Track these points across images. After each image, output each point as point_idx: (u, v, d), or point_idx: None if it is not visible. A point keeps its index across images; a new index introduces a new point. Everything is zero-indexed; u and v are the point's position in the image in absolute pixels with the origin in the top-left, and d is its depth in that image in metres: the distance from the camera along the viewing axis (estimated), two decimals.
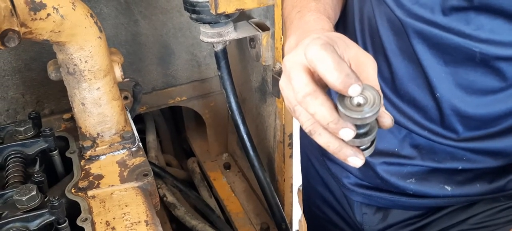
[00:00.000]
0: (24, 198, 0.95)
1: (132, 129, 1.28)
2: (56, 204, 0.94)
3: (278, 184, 1.69)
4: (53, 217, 0.95)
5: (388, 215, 0.96)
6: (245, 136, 1.56)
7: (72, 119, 1.37)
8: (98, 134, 1.23)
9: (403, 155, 0.89)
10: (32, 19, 0.98)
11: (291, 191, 1.74)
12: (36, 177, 1.02)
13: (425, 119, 0.83)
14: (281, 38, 1.34)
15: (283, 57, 1.37)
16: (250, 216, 1.98)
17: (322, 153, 1.13)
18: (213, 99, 2.04)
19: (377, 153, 0.91)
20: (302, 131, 1.24)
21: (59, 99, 1.74)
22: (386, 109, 0.86)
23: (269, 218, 1.92)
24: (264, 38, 1.41)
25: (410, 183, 0.89)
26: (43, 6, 0.99)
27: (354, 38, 0.92)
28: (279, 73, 1.38)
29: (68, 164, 1.22)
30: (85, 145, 1.21)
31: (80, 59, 1.12)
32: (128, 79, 1.37)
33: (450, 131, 0.82)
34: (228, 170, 2.19)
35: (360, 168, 0.99)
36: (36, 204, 0.96)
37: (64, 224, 0.97)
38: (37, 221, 0.94)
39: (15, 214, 0.95)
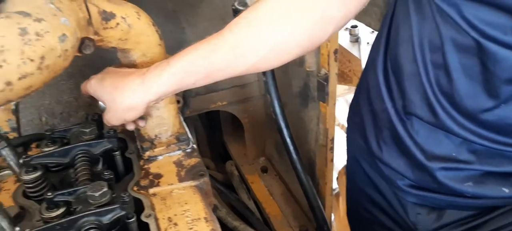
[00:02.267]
0: (97, 194, 1.03)
1: (186, 131, 1.35)
2: (127, 200, 1.01)
3: (320, 187, 1.73)
4: (124, 212, 1.02)
5: (443, 215, 0.99)
6: (288, 140, 1.61)
7: None
8: (156, 136, 1.30)
9: (461, 159, 0.92)
10: (104, 28, 1.06)
11: (331, 194, 1.78)
12: (106, 174, 1.09)
13: (484, 130, 0.86)
14: (327, 45, 1.38)
15: (328, 63, 1.43)
16: (288, 218, 2.03)
17: (374, 155, 1.16)
18: (252, 104, 2.10)
19: (435, 158, 0.94)
20: (349, 134, 1.28)
21: None
22: (444, 123, 0.90)
23: (308, 221, 1.97)
24: None
25: (467, 186, 0.91)
26: (113, 15, 1.07)
27: (410, 51, 0.94)
28: (325, 78, 1.43)
29: (127, 164, 1.30)
30: (144, 146, 1.29)
31: (142, 66, 1.19)
32: None
33: (510, 137, 0.85)
34: (265, 173, 2.25)
35: (417, 173, 1.01)
36: (107, 199, 1.04)
37: (133, 219, 1.03)
38: (109, 216, 1.01)
39: (89, 209, 1.02)
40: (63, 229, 0.99)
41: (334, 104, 1.52)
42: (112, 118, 1.11)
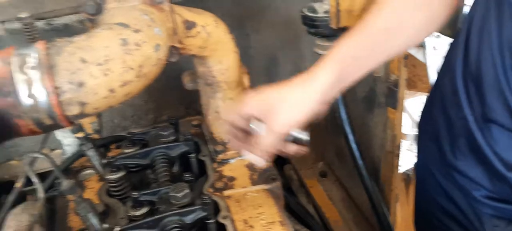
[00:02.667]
0: (179, 195, 1.08)
1: None
2: (208, 201, 1.05)
3: (384, 194, 1.70)
4: (205, 213, 1.06)
5: None
6: (353, 146, 1.60)
7: (199, 125, 1.50)
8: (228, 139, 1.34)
9: None
10: (186, 36, 1.11)
11: (396, 201, 1.75)
12: (187, 176, 1.14)
13: None
14: None
15: (398, 69, 1.41)
16: (349, 225, 2.01)
17: (448, 164, 1.14)
18: None
19: None
20: (421, 141, 1.26)
21: (176, 107, 1.91)
22: None
23: (369, 228, 1.94)
24: None
25: None
26: (194, 24, 1.12)
27: (491, 57, 0.92)
28: (395, 84, 1.41)
29: (200, 166, 1.35)
30: (217, 149, 1.33)
31: (218, 72, 1.24)
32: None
33: None
34: (324, 178, 2.24)
35: (495, 183, 0.99)
36: (189, 200, 1.09)
37: (212, 220, 1.08)
38: (191, 216, 1.06)
39: (172, 209, 1.07)
40: (149, 227, 1.05)
41: (402, 110, 1.50)
42: (271, 135, 0.97)
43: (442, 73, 1.17)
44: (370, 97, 1.65)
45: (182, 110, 1.90)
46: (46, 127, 0.79)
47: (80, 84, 0.78)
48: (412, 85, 2.02)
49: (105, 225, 1.08)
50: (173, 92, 1.87)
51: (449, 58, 1.13)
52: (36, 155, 1.07)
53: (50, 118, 0.78)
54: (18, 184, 1.12)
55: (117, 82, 0.82)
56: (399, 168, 1.65)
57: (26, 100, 0.75)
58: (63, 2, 1.59)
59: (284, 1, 1.80)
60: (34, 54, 0.77)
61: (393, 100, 1.44)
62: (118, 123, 1.89)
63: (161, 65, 0.92)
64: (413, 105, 3.71)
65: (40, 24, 1.59)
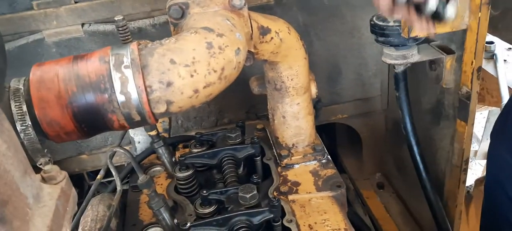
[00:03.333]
0: (247, 196, 1.10)
1: (321, 142, 1.39)
2: (276, 204, 1.07)
3: (448, 209, 1.65)
4: (272, 215, 1.08)
5: None
6: (418, 157, 1.57)
7: (264, 129, 1.53)
8: (293, 144, 1.36)
9: None
10: (260, 42, 1.14)
11: (460, 218, 1.69)
12: (255, 178, 1.17)
13: None
14: (472, 62, 1.33)
15: (471, 81, 1.37)
16: None
17: None
18: (373, 118, 2.08)
19: None
20: (494, 154, 1.21)
21: (237, 111, 1.95)
22: None
23: None
24: (448, 61, 1.41)
25: None
26: (268, 30, 1.15)
27: None
28: (467, 97, 1.37)
29: (264, 169, 1.37)
30: (282, 154, 1.35)
31: (288, 77, 1.26)
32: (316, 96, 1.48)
33: None
34: (381, 190, 2.20)
35: None
36: (256, 201, 1.11)
37: (279, 222, 1.09)
38: (259, 217, 1.08)
39: (240, 209, 1.10)
40: (218, 225, 1.08)
41: (473, 124, 1.45)
42: None
43: None
44: (437, 109, 1.61)
45: (242, 114, 1.94)
46: (135, 123, 0.84)
47: (169, 84, 0.83)
48: (480, 99, 1.94)
49: (175, 220, 1.13)
50: (235, 96, 1.91)
51: None
52: (117, 149, 1.13)
53: (139, 114, 0.83)
54: (99, 176, 1.19)
55: (202, 84, 0.86)
56: (465, 183, 1.59)
57: (120, 97, 0.81)
58: (138, 6, 1.68)
59: (350, 10, 1.79)
60: (129, 54, 0.82)
61: (464, 113, 1.39)
62: (181, 124, 1.95)
63: (240, 68, 0.95)
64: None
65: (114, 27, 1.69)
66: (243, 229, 1.07)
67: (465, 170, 1.55)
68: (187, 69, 0.84)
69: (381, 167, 2.24)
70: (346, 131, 2.28)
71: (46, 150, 0.83)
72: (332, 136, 2.47)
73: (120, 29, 0.92)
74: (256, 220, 1.08)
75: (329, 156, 1.36)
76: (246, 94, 1.91)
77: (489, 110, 2.92)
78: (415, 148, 1.57)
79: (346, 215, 1.20)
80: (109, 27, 1.68)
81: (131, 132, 1.49)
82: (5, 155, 0.60)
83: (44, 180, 0.68)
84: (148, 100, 0.82)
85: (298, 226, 1.14)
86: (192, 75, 0.85)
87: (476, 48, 1.31)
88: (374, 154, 2.21)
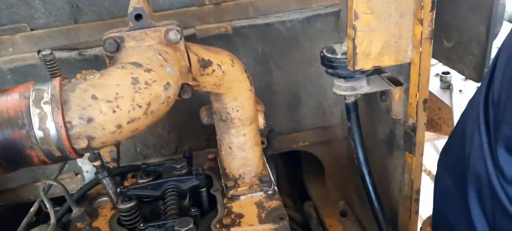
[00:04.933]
0: (183, 229, 1.09)
1: (268, 173, 1.39)
2: None
3: None
4: None
5: None
6: (370, 188, 1.58)
7: (215, 159, 1.53)
8: (239, 175, 1.36)
9: None
10: (201, 74, 1.15)
11: None
12: (193, 211, 1.16)
13: None
14: (416, 94, 1.35)
15: (417, 113, 1.39)
16: None
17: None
18: (335, 146, 2.09)
19: None
20: (439, 190, 1.23)
21: (197, 138, 1.94)
22: None
23: None
24: (396, 93, 1.44)
25: None
26: (210, 63, 1.16)
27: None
28: (413, 128, 1.39)
29: (210, 200, 1.36)
30: (228, 185, 1.34)
31: (233, 109, 1.26)
32: (264, 126, 1.49)
33: None
34: (344, 218, 2.20)
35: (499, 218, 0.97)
36: None
37: None
38: None
39: None
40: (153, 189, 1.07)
41: (422, 154, 1.46)
42: None
43: (465, 113, 1.18)
44: (390, 139, 1.63)
45: (203, 141, 1.93)
46: (55, 158, 0.84)
47: (89, 120, 0.82)
48: (437, 128, 1.97)
49: None
50: (195, 124, 1.90)
51: (473, 99, 1.14)
52: (50, 182, 1.12)
53: (59, 150, 0.82)
54: (33, 209, 1.17)
55: (125, 119, 0.86)
56: (417, 213, 1.60)
57: (38, 133, 0.80)
58: (95, 34, 1.68)
59: (308, 40, 1.82)
60: (50, 90, 0.82)
61: (410, 144, 1.41)
62: (140, 151, 1.94)
63: (170, 103, 0.96)
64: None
65: (73, 54, 1.69)
66: (173, 193, 1.06)
67: (417, 200, 1.56)
68: (109, 105, 0.84)
69: (344, 195, 2.24)
70: (312, 158, 2.29)
71: None
72: (298, 163, 2.47)
73: (48, 63, 0.92)
74: (185, 186, 1.07)
75: (276, 187, 1.36)
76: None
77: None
78: (367, 178, 1.58)
79: None
80: (65, 54, 1.68)
81: (79, 161, 1.48)
82: None
83: None
84: (68, 136, 0.82)
85: None
86: (114, 111, 0.84)
87: (419, 81, 1.33)
88: (337, 182, 2.22)
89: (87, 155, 1.35)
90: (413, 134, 1.38)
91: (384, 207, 1.59)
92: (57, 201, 1.42)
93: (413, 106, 1.39)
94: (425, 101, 1.38)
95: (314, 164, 2.38)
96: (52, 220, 1.09)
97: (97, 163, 1.30)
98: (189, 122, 1.91)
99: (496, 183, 1.01)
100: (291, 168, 2.55)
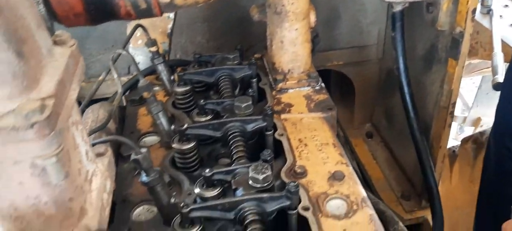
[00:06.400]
0: (242, 105, 1.16)
1: (315, 71, 1.44)
2: (269, 112, 1.12)
3: (433, 151, 1.72)
4: (264, 124, 1.13)
5: None
6: (408, 97, 1.63)
7: (261, 59, 1.57)
8: (289, 70, 1.41)
9: None
10: None
11: (443, 161, 1.76)
12: (250, 91, 1.22)
13: None
14: (468, 1, 1.37)
15: (465, 21, 1.41)
16: (391, 183, 2.04)
17: None
18: (367, 68, 2.13)
19: None
20: (502, 113, 1.27)
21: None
22: None
23: (410, 188, 1.97)
24: (445, 3, 1.46)
25: None
26: None
27: None
28: (460, 35, 1.42)
29: (260, 93, 1.42)
30: (277, 78, 1.40)
31: (288, 1, 1.30)
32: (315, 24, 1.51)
33: None
34: (370, 139, 2.27)
35: None
36: (251, 111, 1.17)
37: (271, 132, 1.14)
38: (252, 125, 1.14)
39: (235, 117, 1.15)
40: (214, 129, 1.14)
41: (463, 66, 1.50)
42: None
43: None
44: (431, 54, 1.66)
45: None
46: (140, 11, 0.88)
47: None
48: (473, 53, 1.99)
49: (173, 127, 1.18)
50: (233, 34, 1.95)
51: None
52: (119, 51, 1.17)
53: (145, 2, 0.87)
54: (101, 77, 1.24)
55: None
56: (450, 126, 1.66)
57: None
58: None
59: None
60: None
61: (456, 51, 1.45)
62: (180, 58, 1.99)
63: None
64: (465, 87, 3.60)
65: None
66: (237, 133, 1.12)
67: (452, 113, 1.62)
68: None
69: (370, 118, 2.30)
70: (340, 81, 2.33)
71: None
72: (327, 85, 2.52)
73: None
74: (249, 127, 1.13)
75: (322, 84, 1.41)
76: (244, 34, 1.95)
77: (482, 77, 2.98)
78: (406, 88, 1.62)
79: (335, 134, 1.26)
80: None
81: (132, 51, 1.53)
82: (22, 3, 0.64)
83: (55, 42, 0.73)
84: None
85: (288, 139, 1.20)
86: None
87: None
88: (366, 104, 2.27)
89: (144, 41, 1.40)
90: (460, 40, 1.41)
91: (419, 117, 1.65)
92: None
93: (462, 14, 1.41)
94: (474, 10, 1.40)
95: (341, 87, 2.43)
96: (119, 89, 1.15)
97: (154, 49, 1.35)
98: (227, 32, 1.94)
99: None
100: None
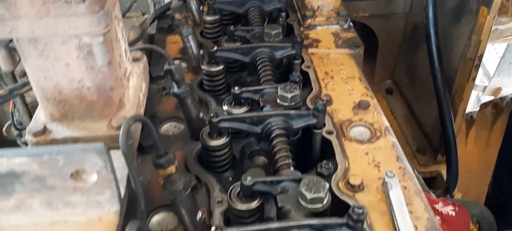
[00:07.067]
0: (272, 32, 1.17)
1: (345, 9, 1.43)
2: (299, 40, 1.13)
3: (454, 104, 1.72)
4: (293, 51, 1.14)
5: None
6: (434, 47, 1.61)
7: None
8: (318, 7, 1.41)
9: None
10: None
11: (463, 116, 1.76)
12: (280, 20, 1.23)
13: None
14: None
15: None
16: (407, 137, 2.06)
17: None
18: (393, 21, 2.10)
19: None
20: None
21: None
22: None
23: (427, 144, 1.98)
24: None
25: None
26: None
27: None
28: None
29: (288, 29, 1.42)
30: (306, 14, 1.40)
31: None
32: None
33: None
34: (389, 95, 2.27)
35: None
36: (280, 40, 1.18)
37: (299, 61, 1.16)
38: (281, 52, 1.15)
39: (263, 44, 1.17)
40: (243, 53, 1.15)
41: (494, 17, 1.48)
42: None
43: None
44: (460, 6, 1.63)
45: None
46: None
47: None
48: (504, 11, 1.95)
49: (202, 51, 1.20)
50: None
51: None
52: None
53: None
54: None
55: None
56: (474, 81, 1.65)
57: None
58: None
59: None
60: None
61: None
62: None
63: None
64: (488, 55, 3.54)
65: None
66: (265, 59, 1.13)
67: (477, 67, 1.61)
68: None
69: (391, 75, 2.29)
70: (362, 36, 2.31)
71: None
72: None
73: None
74: (278, 54, 1.15)
75: (351, 23, 1.41)
76: None
77: (507, 45, 2.93)
78: (433, 38, 1.61)
79: (361, 69, 1.26)
80: None
81: None
82: None
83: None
84: None
85: (315, 71, 1.21)
86: None
87: None
88: (388, 60, 2.25)
89: None
90: None
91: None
92: None
93: None
94: None
95: (364, 42, 2.41)
96: (151, 8, 1.17)
97: None
98: None
99: None
100: None
